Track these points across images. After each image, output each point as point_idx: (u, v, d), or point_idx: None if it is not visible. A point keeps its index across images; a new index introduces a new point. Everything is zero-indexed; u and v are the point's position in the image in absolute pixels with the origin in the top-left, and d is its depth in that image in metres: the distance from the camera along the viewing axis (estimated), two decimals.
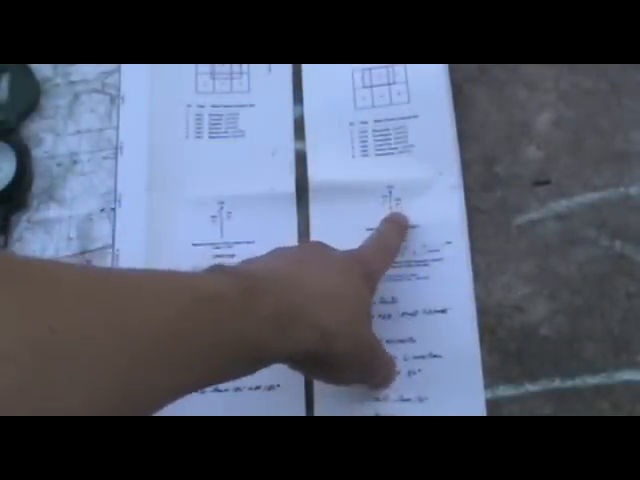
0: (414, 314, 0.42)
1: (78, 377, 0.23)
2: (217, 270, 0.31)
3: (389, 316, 0.43)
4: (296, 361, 0.34)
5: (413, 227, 0.44)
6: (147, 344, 0.25)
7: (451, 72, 0.47)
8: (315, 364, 0.34)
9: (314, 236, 0.44)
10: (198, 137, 0.47)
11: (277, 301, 0.31)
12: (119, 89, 0.48)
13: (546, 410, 0.40)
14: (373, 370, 0.38)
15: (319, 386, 0.41)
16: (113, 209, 0.46)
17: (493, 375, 0.41)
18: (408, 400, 0.41)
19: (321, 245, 0.38)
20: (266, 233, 0.44)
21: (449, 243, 0.43)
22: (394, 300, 0.43)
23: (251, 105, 0.48)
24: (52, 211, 0.46)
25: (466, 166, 0.45)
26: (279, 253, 0.36)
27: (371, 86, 0.47)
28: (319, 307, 0.33)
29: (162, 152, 0.46)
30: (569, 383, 0.40)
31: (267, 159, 0.47)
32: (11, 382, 0.21)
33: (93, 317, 0.24)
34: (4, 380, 0.21)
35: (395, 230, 0.43)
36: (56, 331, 0.23)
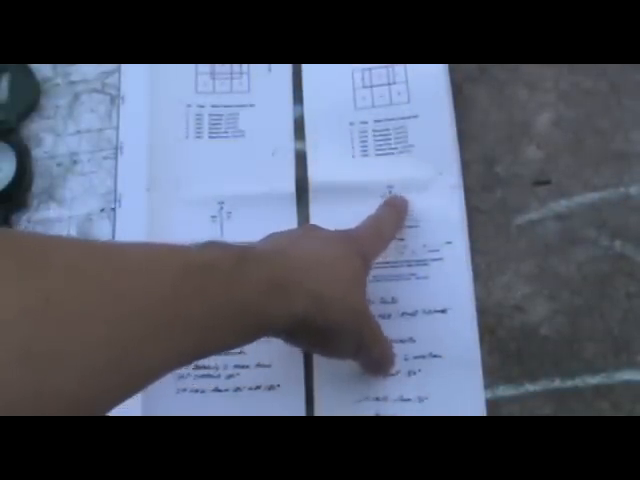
0: (414, 314, 0.42)
1: (75, 348, 0.23)
2: (209, 243, 0.31)
3: (389, 316, 0.43)
4: (292, 331, 0.33)
5: (413, 227, 0.44)
6: (139, 314, 0.25)
7: (451, 72, 0.47)
8: (310, 334, 0.34)
9: None
10: (198, 137, 0.47)
11: (271, 269, 0.31)
12: (119, 89, 0.48)
13: (546, 410, 0.40)
14: (368, 344, 0.38)
15: (319, 386, 0.41)
16: (113, 209, 0.46)
17: (493, 375, 0.41)
18: (408, 400, 0.41)
19: (314, 226, 0.39)
20: (266, 233, 0.44)
21: (449, 243, 0.43)
22: (394, 300, 0.43)
23: (251, 105, 0.48)
24: (52, 211, 0.46)
25: (466, 166, 0.45)
26: (274, 236, 0.37)
27: (371, 86, 0.47)
28: (314, 275, 0.33)
29: (162, 152, 0.46)
30: (569, 383, 0.40)
31: (267, 159, 0.47)
32: (12, 350, 0.21)
33: (86, 288, 0.24)
34: (5, 348, 0.21)
35: (393, 214, 0.43)
36: (51, 301, 0.23)
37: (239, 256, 0.30)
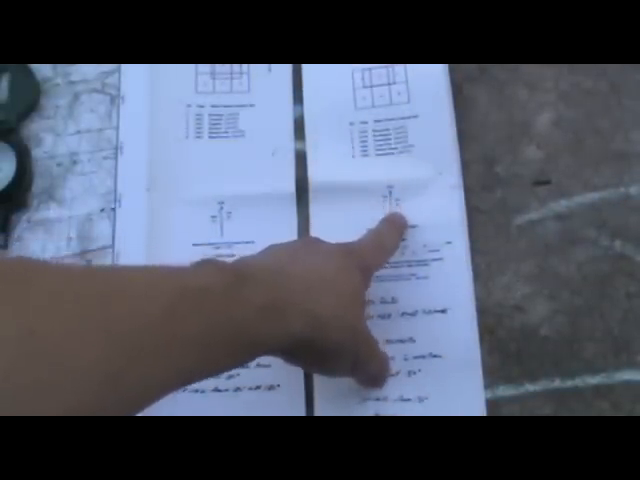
0: (414, 314, 0.42)
1: (61, 378, 0.23)
2: (205, 263, 0.31)
3: (389, 316, 0.43)
4: (290, 351, 0.33)
5: (413, 227, 0.44)
6: (133, 340, 0.25)
7: (451, 72, 0.47)
8: (308, 353, 0.34)
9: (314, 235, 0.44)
10: (198, 137, 0.47)
11: (267, 289, 0.31)
12: (119, 89, 0.48)
13: (546, 410, 0.40)
14: (365, 362, 0.38)
15: (319, 386, 0.41)
16: (113, 209, 0.46)
17: (493, 375, 0.41)
18: (408, 400, 0.41)
19: (316, 239, 0.39)
20: (266, 233, 0.44)
21: (449, 243, 0.43)
22: (394, 300, 0.43)
23: (251, 105, 0.48)
24: (52, 211, 0.46)
25: (466, 166, 0.45)
26: (273, 249, 0.36)
27: (371, 86, 0.47)
28: (312, 294, 0.33)
29: (162, 152, 0.46)
30: (569, 383, 0.40)
31: (267, 159, 0.47)
32: None
33: (76, 315, 0.24)
34: None
35: (393, 230, 0.43)
36: (35, 332, 0.23)
37: (236, 276, 0.30)
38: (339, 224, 0.42)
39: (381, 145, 0.46)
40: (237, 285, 0.30)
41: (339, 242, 0.38)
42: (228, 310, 0.29)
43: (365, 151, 0.46)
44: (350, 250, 0.38)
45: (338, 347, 0.34)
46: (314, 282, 0.34)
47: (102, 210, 0.46)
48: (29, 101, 0.48)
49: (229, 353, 0.30)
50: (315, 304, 0.33)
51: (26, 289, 0.24)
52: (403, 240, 0.44)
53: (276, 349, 0.33)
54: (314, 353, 0.34)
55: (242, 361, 0.31)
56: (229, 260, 0.36)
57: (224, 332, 0.29)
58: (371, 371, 0.39)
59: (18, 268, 0.25)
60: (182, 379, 0.28)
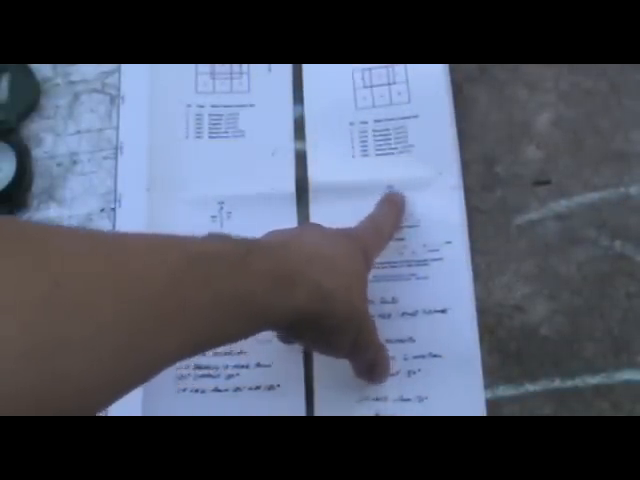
0: (414, 314, 0.42)
1: (82, 333, 0.23)
2: (215, 233, 0.31)
3: (389, 316, 0.43)
4: (294, 324, 0.33)
5: (413, 227, 0.44)
6: (143, 303, 0.25)
7: (451, 72, 0.47)
8: (311, 328, 0.34)
9: None
10: (198, 137, 0.47)
11: (275, 261, 0.32)
12: (119, 89, 0.48)
13: (546, 410, 0.40)
14: (364, 346, 0.37)
15: (319, 386, 0.41)
16: (113, 209, 0.46)
17: (493, 375, 0.41)
18: (408, 400, 0.41)
19: (316, 224, 0.39)
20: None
21: (449, 243, 0.43)
22: (394, 300, 0.43)
23: (251, 105, 0.48)
24: (52, 211, 0.46)
25: (466, 166, 0.45)
26: (275, 232, 0.37)
27: (371, 86, 0.47)
28: (319, 269, 0.33)
29: (162, 152, 0.46)
30: (569, 383, 0.40)
31: (267, 159, 0.47)
32: (15, 335, 0.21)
33: (93, 275, 0.24)
34: (8, 332, 0.21)
35: (392, 212, 0.43)
36: (60, 285, 0.23)
37: (245, 247, 0.30)
38: (339, 224, 0.42)
39: (381, 145, 0.46)
40: (246, 255, 0.30)
41: (340, 228, 0.39)
42: (237, 280, 0.29)
43: (365, 151, 0.46)
44: (350, 234, 0.38)
45: (341, 323, 0.35)
46: (319, 258, 0.34)
47: (102, 210, 0.46)
48: (29, 101, 0.48)
49: (236, 323, 0.30)
50: (321, 277, 0.33)
51: (50, 246, 0.24)
52: (402, 240, 0.44)
53: (282, 321, 0.32)
54: (318, 328, 0.34)
55: (249, 332, 0.31)
56: None
57: (232, 302, 0.29)
58: (369, 356, 0.39)
59: (37, 229, 0.25)
60: (188, 349, 0.28)
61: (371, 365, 0.40)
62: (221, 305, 0.28)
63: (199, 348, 0.29)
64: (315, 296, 0.32)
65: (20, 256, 0.23)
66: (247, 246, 0.31)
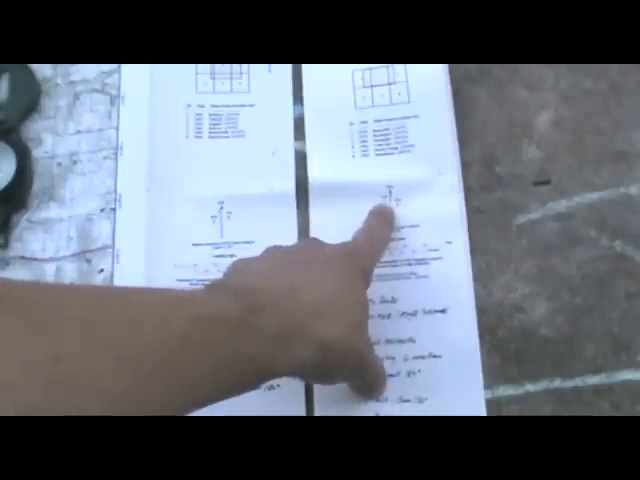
0: (414, 314, 0.42)
1: (81, 408, 0.23)
2: (217, 288, 0.32)
3: (389, 316, 0.43)
4: (298, 372, 0.34)
5: (413, 227, 0.44)
6: (147, 370, 0.26)
7: (451, 72, 0.47)
8: (314, 372, 0.34)
9: (314, 236, 0.44)
10: (198, 137, 0.47)
11: (279, 318, 0.31)
12: (119, 89, 0.48)
13: (546, 410, 0.40)
14: (361, 370, 0.38)
15: (319, 386, 0.41)
16: (113, 209, 0.46)
17: (493, 375, 0.41)
18: (408, 400, 0.41)
19: (317, 242, 0.38)
20: (266, 233, 0.44)
21: (449, 243, 0.43)
22: (394, 300, 0.43)
23: (251, 105, 0.48)
24: (52, 211, 0.46)
25: (466, 166, 0.45)
26: (276, 253, 0.36)
27: (371, 86, 0.47)
28: (319, 319, 0.33)
29: (162, 152, 0.46)
30: (569, 383, 0.40)
31: (267, 159, 0.47)
32: (11, 411, 0.21)
33: (95, 344, 0.24)
34: (5, 410, 0.21)
35: (384, 222, 0.43)
36: (61, 359, 0.23)
37: (250, 305, 0.30)
38: (339, 224, 0.42)
39: (381, 145, 0.46)
40: (249, 315, 0.30)
41: (338, 243, 0.38)
42: (239, 344, 0.29)
43: (365, 151, 0.46)
44: (349, 251, 0.38)
45: (343, 364, 0.35)
46: (324, 306, 0.33)
47: (102, 210, 0.46)
48: (29, 101, 0.48)
49: (239, 381, 0.30)
50: (326, 330, 0.33)
51: (53, 316, 0.24)
52: (403, 239, 0.44)
53: (285, 372, 0.33)
54: (320, 371, 0.34)
55: (250, 389, 0.32)
56: (229, 260, 0.36)
57: (235, 366, 0.29)
58: (367, 378, 0.39)
59: (41, 294, 0.26)
60: (190, 409, 0.29)
61: (370, 385, 0.40)
62: (224, 368, 0.29)
63: (201, 405, 0.29)
64: (321, 351, 0.32)
65: (24, 327, 0.23)
66: (252, 304, 0.31)
